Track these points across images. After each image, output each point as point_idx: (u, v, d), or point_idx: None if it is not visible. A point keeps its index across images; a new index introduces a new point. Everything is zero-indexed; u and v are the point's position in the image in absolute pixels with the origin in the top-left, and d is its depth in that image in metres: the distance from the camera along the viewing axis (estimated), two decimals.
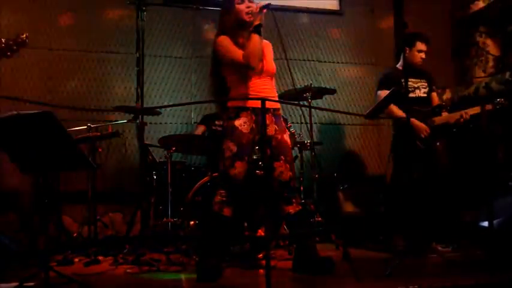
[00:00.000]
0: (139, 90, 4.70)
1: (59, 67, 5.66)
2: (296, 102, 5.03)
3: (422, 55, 4.93)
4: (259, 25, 3.60)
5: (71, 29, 5.74)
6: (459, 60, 6.85)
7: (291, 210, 3.76)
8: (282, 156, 3.74)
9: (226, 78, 3.80)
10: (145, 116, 4.86)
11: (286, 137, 3.83)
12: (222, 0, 3.89)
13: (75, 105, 5.54)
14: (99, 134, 4.74)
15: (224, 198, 3.66)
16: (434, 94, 5.10)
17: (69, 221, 5.32)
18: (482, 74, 6.51)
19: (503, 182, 4.85)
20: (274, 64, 3.83)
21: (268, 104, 3.51)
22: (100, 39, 5.83)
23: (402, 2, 4.36)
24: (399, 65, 5.06)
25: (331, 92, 5.73)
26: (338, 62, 6.64)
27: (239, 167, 3.64)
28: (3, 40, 3.77)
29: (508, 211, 4.29)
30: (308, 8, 6.55)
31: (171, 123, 5.97)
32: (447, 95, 6.54)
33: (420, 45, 4.92)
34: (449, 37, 6.86)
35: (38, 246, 4.35)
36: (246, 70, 3.65)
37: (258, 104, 3.45)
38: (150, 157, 5.03)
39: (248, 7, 3.65)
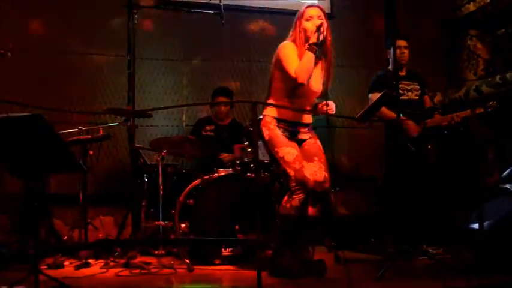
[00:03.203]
0: (130, 92, 4.69)
1: (50, 69, 5.63)
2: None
3: (402, 50, 4.95)
4: (315, 44, 3.61)
5: (62, 31, 5.71)
6: (450, 63, 6.87)
7: (310, 212, 3.79)
8: (315, 158, 3.80)
9: (272, 84, 3.85)
10: (136, 119, 4.84)
11: (319, 142, 3.93)
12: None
13: (65, 107, 5.52)
14: (90, 136, 4.72)
15: (303, 200, 3.69)
16: (426, 97, 5.12)
17: (60, 224, 5.29)
18: (473, 77, 6.54)
19: (493, 184, 4.87)
20: (319, 86, 3.85)
21: (304, 119, 3.84)
22: (91, 42, 5.80)
23: (393, 4, 4.39)
24: (391, 67, 5.09)
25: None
26: None
27: (311, 168, 3.73)
28: None
29: (498, 213, 4.31)
30: (299, 10, 6.53)
31: (162, 125, 5.95)
32: (438, 98, 6.56)
33: (398, 42, 4.91)
34: (440, 40, 6.89)
35: (28, 249, 4.32)
36: (294, 85, 3.67)
37: (293, 117, 3.79)
38: (141, 160, 5.02)
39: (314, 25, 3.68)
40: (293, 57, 3.69)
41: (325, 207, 3.85)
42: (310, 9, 3.77)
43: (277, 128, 3.77)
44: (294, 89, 3.71)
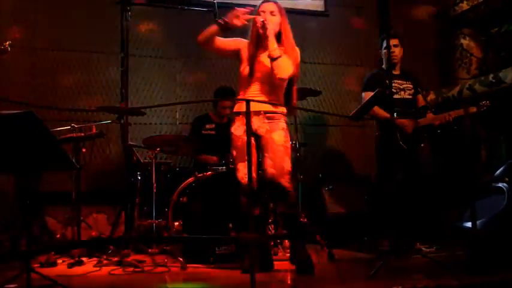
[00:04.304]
0: (123, 90, 4.68)
1: (43, 66, 5.61)
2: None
3: (393, 49, 4.90)
4: (222, 20, 3.70)
5: (55, 28, 5.69)
6: (443, 61, 6.89)
7: (281, 209, 3.85)
8: (266, 154, 3.79)
9: None
10: (129, 116, 4.83)
11: (276, 135, 3.79)
12: None
13: (58, 105, 5.50)
14: (82, 134, 4.70)
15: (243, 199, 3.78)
16: (419, 96, 5.12)
17: (53, 222, 5.28)
18: (466, 76, 6.56)
19: (486, 183, 4.89)
20: (272, 72, 3.75)
21: (258, 107, 3.70)
22: (84, 39, 5.77)
23: (387, 3, 4.39)
24: (384, 66, 5.09)
25: (317, 93, 5.73)
26: (323, 63, 6.64)
27: (242, 168, 3.74)
28: None
29: (491, 212, 4.33)
30: (293, 8, 6.53)
31: (155, 123, 5.93)
32: (431, 97, 6.58)
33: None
34: (433, 39, 6.91)
35: (21, 247, 4.30)
36: (243, 77, 3.83)
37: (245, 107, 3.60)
38: (135, 158, 5.00)
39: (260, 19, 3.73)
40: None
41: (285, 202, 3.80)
42: (263, 4, 3.83)
43: (233, 124, 3.88)
44: (246, 77, 3.81)
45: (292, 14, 6.51)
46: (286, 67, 3.73)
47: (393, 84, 4.78)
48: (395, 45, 4.98)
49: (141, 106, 5.74)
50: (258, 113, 3.78)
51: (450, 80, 6.68)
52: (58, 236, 4.88)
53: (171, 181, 4.87)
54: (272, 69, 3.69)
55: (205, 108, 5.82)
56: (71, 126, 4.66)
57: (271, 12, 3.78)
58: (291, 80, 3.86)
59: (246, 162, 3.68)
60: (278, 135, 3.81)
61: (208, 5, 3.98)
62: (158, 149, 4.67)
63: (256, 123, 3.79)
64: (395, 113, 4.40)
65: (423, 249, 4.60)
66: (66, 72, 5.70)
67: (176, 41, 6.08)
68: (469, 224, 4.02)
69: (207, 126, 5.43)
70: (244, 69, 3.84)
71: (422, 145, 4.94)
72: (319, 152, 6.49)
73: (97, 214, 5.56)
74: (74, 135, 4.63)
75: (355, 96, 6.49)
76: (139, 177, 4.83)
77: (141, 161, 5.08)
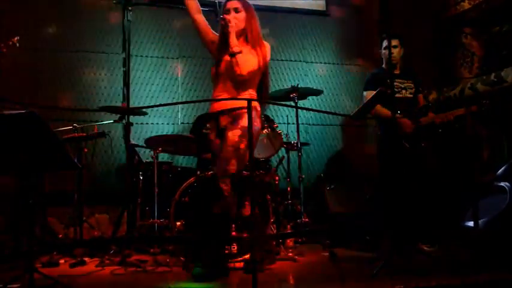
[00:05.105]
0: (125, 90, 4.67)
1: (45, 67, 5.61)
2: (283, 103, 5.04)
3: (392, 50, 4.88)
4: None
5: (57, 29, 5.70)
6: (445, 61, 6.89)
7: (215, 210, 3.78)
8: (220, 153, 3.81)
9: None
10: (131, 116, 4.83)
11: (231, 134, 3.72)
12: None
13: (60, 105, 5.50)
14: (85, 134, 4.71)
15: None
16: (420, 96, 5.13)
17: (55, 222, 5.28)
18: (468, 75, 6.55)
19: (488, 182, 4.89)
20: (233, 71, 3.69)
21: (222, 106, 3.74)
22: (86, 39, 5.78)
23: (387, 2, 4.39)
24: (385, 65, 5.09)
25: (318, 92, 5.74)
26: (324, 63, 6.65)
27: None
28: None
29: (492, 211, 4.33)
30: (295, 8, 6.55)
31: (157, 123, 5.94)
32: (433, 96, 6.57)
33: (386, 43, 4.89)
34: (434, 38, 6.90)
35: (23, 247, 4.31)
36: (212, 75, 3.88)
37: (214, 108, 3.84)
38: (137, 158, 5.01)
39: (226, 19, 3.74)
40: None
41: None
42: (228, 2, 3.84)
43: (209, 128, 3.90)
44: (213, 75, 3.86)
45: (293, 14, 6.61)
46: (246, 63, 3.67)
47: (394, 83, 4.79)
48: (394, 46, 4.97)
49: (143, 106, 5.74)
50: (223, 112, 3.78)
51: (452, 79, 6.68)
52: (60, 236, 4.89)
53: (173, 181, 4.87)
54: (231, 65, 3.67)
55: (207, 107, 5.82)
56: (73, 126, 4.67)
57: (236, 9, 3.79)
58: (264, 75, 3.86)
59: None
60: (232, 134, 3.73)
61: (210, 5, 3.99)
62: (160, 149, 4.67)
63: (223, 122, 3.79)
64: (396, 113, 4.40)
65: (425, 248, 4.60)
66: (68, 73, 5.70)
67: (178, 41, 6.09)
68: (471, 223, 4.03)
69: (208, 125, 5.41)
70: (213, 67, 3.87)
71: (423, 144, 4.94)
72: (321, 152, 6.50)
73: (99, 214, 5.56)
74: (76, 135, 4.65)
75: (355, 95, 6.50)
76: (141, 177, 4.83)
77: (143, 161, 5.09)
